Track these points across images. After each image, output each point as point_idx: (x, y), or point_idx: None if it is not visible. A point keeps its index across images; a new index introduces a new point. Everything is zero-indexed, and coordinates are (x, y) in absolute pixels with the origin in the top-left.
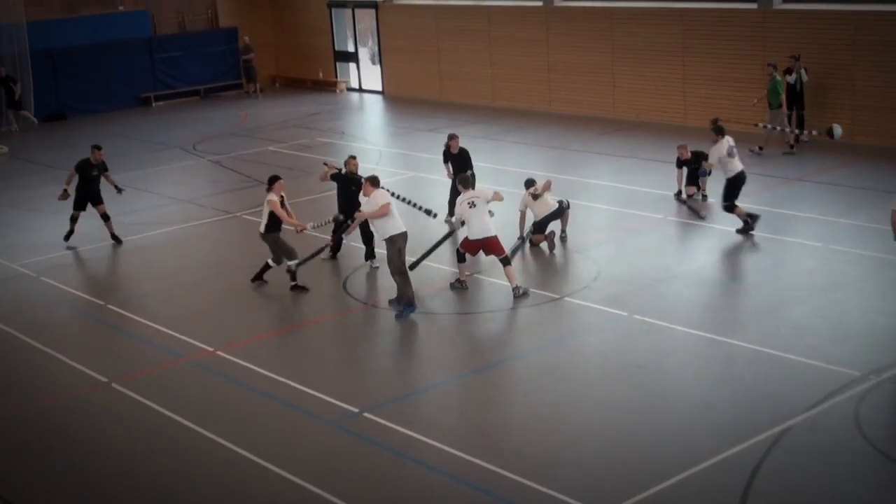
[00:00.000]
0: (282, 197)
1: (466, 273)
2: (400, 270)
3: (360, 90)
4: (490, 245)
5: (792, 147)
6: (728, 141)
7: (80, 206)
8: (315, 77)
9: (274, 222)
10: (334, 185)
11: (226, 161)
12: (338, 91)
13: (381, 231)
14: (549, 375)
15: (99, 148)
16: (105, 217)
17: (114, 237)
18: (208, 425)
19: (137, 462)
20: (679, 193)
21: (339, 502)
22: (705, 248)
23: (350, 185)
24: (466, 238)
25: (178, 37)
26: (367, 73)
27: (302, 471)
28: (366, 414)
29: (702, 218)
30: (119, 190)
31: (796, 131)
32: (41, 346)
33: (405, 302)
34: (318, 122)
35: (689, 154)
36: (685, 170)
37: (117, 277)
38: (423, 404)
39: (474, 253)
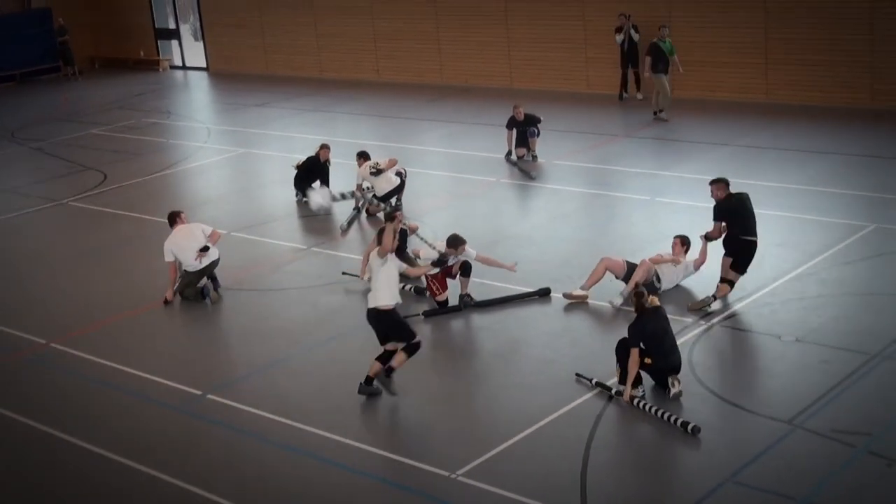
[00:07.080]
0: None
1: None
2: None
3: (185, 67)
4: None
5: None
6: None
7: None
8: (136, 56)
9: None
10: None
11: (48, 147)
12: (161, 69)
13: None
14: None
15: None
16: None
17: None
18: (46, 420)
19: None
20: (509, 154)
21: (190, 487)
22: (537, 208)
23: None
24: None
25: None
26: (191, 50)
27: (146, 458)
28: (210, 396)
29: (532, 178)
30: None
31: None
32: None
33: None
34: (143, 102)
35: (523, 115)
36: (515, 131)
37: None
38: (268, 382)
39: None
